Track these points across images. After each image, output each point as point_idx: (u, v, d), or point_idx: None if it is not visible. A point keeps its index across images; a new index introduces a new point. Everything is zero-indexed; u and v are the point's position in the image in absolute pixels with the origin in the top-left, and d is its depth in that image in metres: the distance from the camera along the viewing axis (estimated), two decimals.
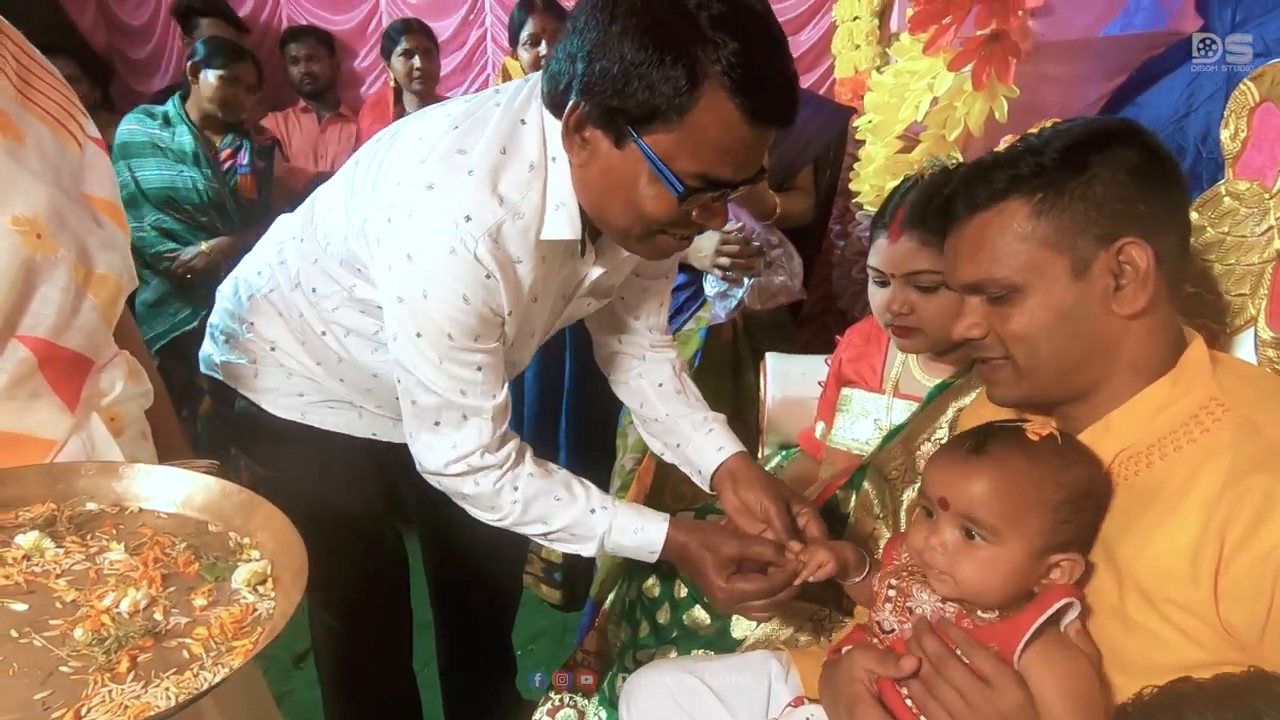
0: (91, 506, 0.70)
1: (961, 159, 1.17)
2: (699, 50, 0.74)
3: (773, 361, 1.69)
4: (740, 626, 1.15)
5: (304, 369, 1.12)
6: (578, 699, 1.40)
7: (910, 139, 1.56)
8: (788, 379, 1.64)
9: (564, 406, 2.06)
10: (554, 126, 0.85)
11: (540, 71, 0.88)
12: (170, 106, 2.24)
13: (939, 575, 0.73)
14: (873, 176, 1.63)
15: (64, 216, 0.72)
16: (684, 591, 1.20)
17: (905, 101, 1.46)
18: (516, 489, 0.98)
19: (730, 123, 0.76)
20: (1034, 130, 0.74)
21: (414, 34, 2.51)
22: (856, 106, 2.04)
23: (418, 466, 1.01)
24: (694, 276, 1.83)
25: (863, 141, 1.71)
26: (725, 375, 1.87)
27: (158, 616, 0.60)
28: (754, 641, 1.13)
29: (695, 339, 1.84)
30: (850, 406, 1.26)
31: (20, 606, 0.60)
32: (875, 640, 0.79)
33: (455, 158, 0.85)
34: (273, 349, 1.12)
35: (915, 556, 0.76)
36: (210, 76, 2.17)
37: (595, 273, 0.98)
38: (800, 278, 1.83)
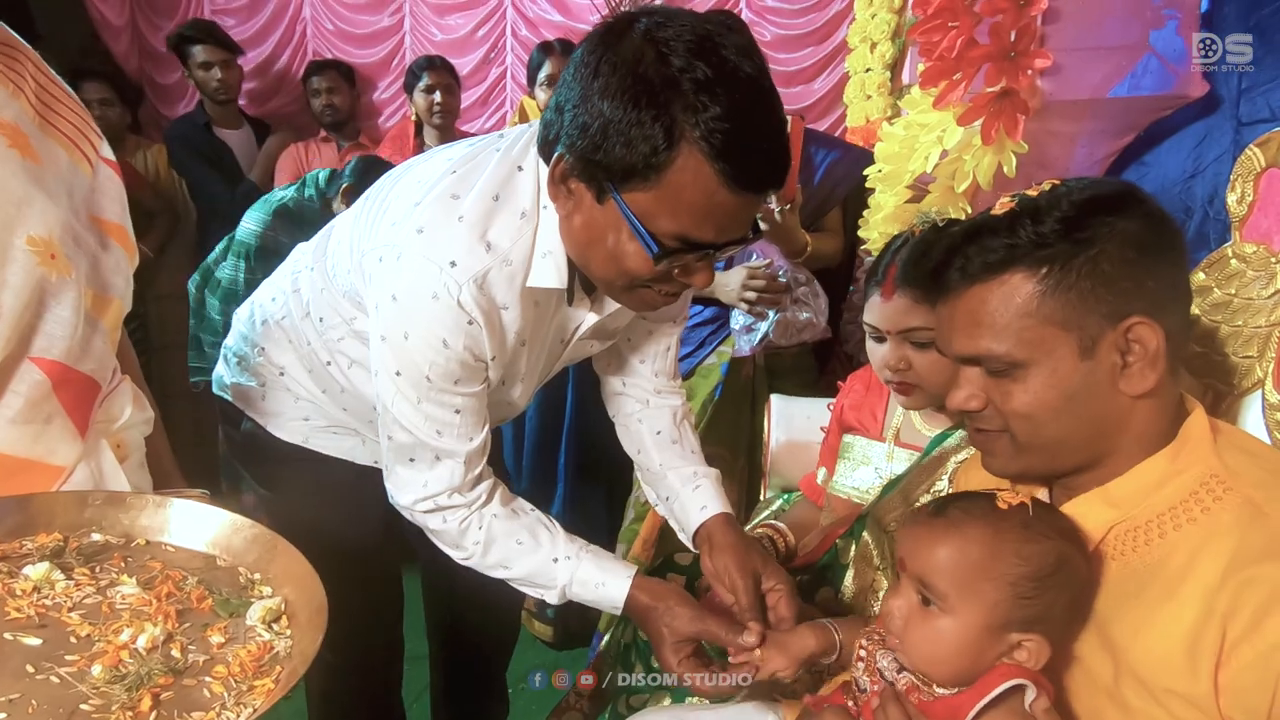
0: (98, 538, 0.68)
1: (963, 213, 1.18)
2: (679, 112, 0.72)
3: (777, 404, 1.69)
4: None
5: (310, 395, 1.13)
6: None
7: (920, 189, 1.57)
8: (791, 422, 1.64)
9: (564, 437, 2.05)
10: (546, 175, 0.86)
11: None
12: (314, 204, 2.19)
13: (894, 641, 0.71)
14: (881, 224, 1.64)
15: (77, 238, 0.73)
16: None
17: (915, 153, 1.47)
18: (480, 529, 0.97)
19: (709, 186, 0.75)
20: (1031, 191, 0.71)
21: (436, 70, 2.58)
22: None
23: (390, 499, 1.00)
24: (719, 311, 1.84)
25: None
26: (744, 411, 1.87)
27: (175, 654, 0.58)
28: (750, 691, 1.10)
29: (717, 373, 1.85)
30: (852, 454, 1.26)
31: (34, 641, 0.59)
32: (851, 701, 0.78)
33: (449, 203, 0.85)
34: (281, 374, 1.13)
35: (880, 619, 0.74)
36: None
37: (591, 319, 0.97)
38: (825, 315, 1.83)
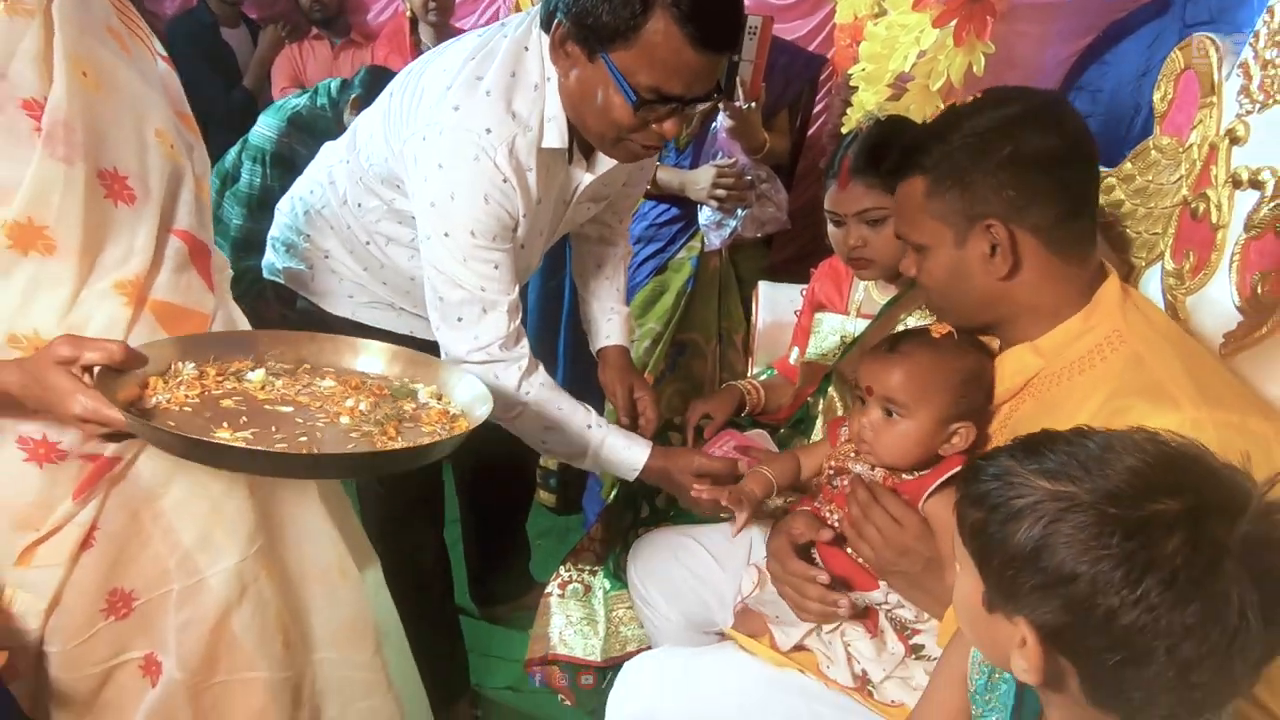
0: (279, 365, 0.92)
1: (931, 109, 1.33)
2: None
3: (764, 290, 1.87)
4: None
5: (353, 274, 1.29)
6: (585, 575, 1.63)
7: (899, 87, 1.69)
8: (776, 305, 1.83)
9: (563, 322, 2.19)
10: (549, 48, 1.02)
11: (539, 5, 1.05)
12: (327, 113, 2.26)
13: (867, 448, 0.94)
14: (864, 121, 1.77)
15: (176, 128, 0.88)
16: None
17: (895, 53, 1.59)
18: (529, 393, 1.15)
19: (677, 46, 0.92)
20: (960, 104, 0.90)
21: None
22: (854, 50, 2.16)
23: (444, 356, 1.16)
24: (684, 210, 1.96)
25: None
26: (713, 300, 2.04)
27: (388, 411, 0.84)
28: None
29: (687, 267, 2.00)
30: (821, 328, 1.46)
31: (288, 409, 0.83)
32: (821, 504, 1.00)
33: (475, 83, 1.02)
34: (326, 257, 1.29)
35: (852, 436, 0.96)
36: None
37: (587, 179, 1.15)
38: (785, 208, 1.98)
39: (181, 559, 0.89)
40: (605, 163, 1.14)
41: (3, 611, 0.84)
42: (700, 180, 1.88)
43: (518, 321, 1.14)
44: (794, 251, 3.04)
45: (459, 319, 1.10)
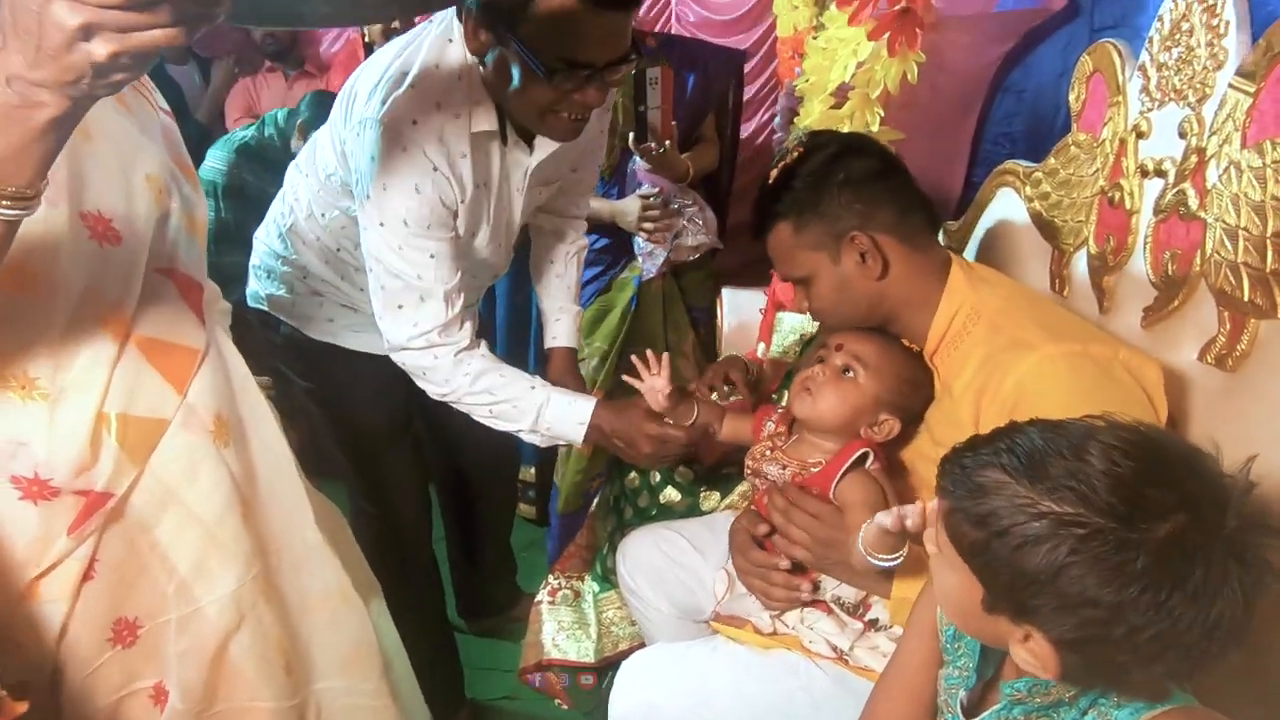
0: None
1: (876, 118, 1.44)
2: None
3: (727, 295, 1.96)
4: (708, 503, 1.43)
5: (331, 286, 1.33)
6: (574, 581, 1.67)
7: (841, 96, 1.79)
8: (740, 309, 1.91)
9: (531, 339, 2.22)
10: None
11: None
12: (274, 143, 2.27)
13: (805, 395, 1.02)
14: (808, 125, 1.87)
15: (171, 174, 0.91)
16: (658, 477, 1.46)
17: (835, 64, 1.69)
18: (470, 362, 1.17)
19: (574, 12, 0.92)
20: (790, 157, 1.04)
21: None
22: (796, 61, 2.27)
23: (385, 345, 1.19)
24: (618, 238, 2.02)
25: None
26: (657, 313, 2.10)
27: None
28: (718, 511, 1.41)
29: (630, 286, 2.06)
30: (782, 327, 1.55)
31: None
32: (754, 498, 1.09)
33: (401, 78, 1.05)
34: (305, 276, 1.33)
35: (799, 383, 1.05)
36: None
37: (531, 162, 1.18)
38: (715, 227, 2.06)
39: (179, 587, 0.90)
40: (546, 144, 1.17)
41: (14, 648, 0.85)
42: (629, 211, 1.95)
43: (457, 309, 1.15)
44: (738, 261, 3.16)
45: (399, 306, 1.13)
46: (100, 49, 0.57)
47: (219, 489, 0.92)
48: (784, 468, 1.04)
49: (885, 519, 0.76)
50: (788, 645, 1.04)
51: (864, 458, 0.99)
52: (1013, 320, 0.94)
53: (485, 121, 1.09)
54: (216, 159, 2.22)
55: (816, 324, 1.49)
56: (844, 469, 0.98)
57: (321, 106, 2.17)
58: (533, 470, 2.30)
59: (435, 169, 1.06)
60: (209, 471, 0.91)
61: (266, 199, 2.30)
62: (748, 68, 3.19)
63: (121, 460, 0.85)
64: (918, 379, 1.03)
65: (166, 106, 0.96)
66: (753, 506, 1.11)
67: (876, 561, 0.82)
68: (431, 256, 1.11)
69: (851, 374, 1.01)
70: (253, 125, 2.31)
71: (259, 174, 2.21)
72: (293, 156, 2.17)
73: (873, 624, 1.01)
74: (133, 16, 0.57)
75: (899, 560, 0.82)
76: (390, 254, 1.10)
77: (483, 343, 1.22)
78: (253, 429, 0.98)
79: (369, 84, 1.08)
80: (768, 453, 1.07)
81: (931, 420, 1.04)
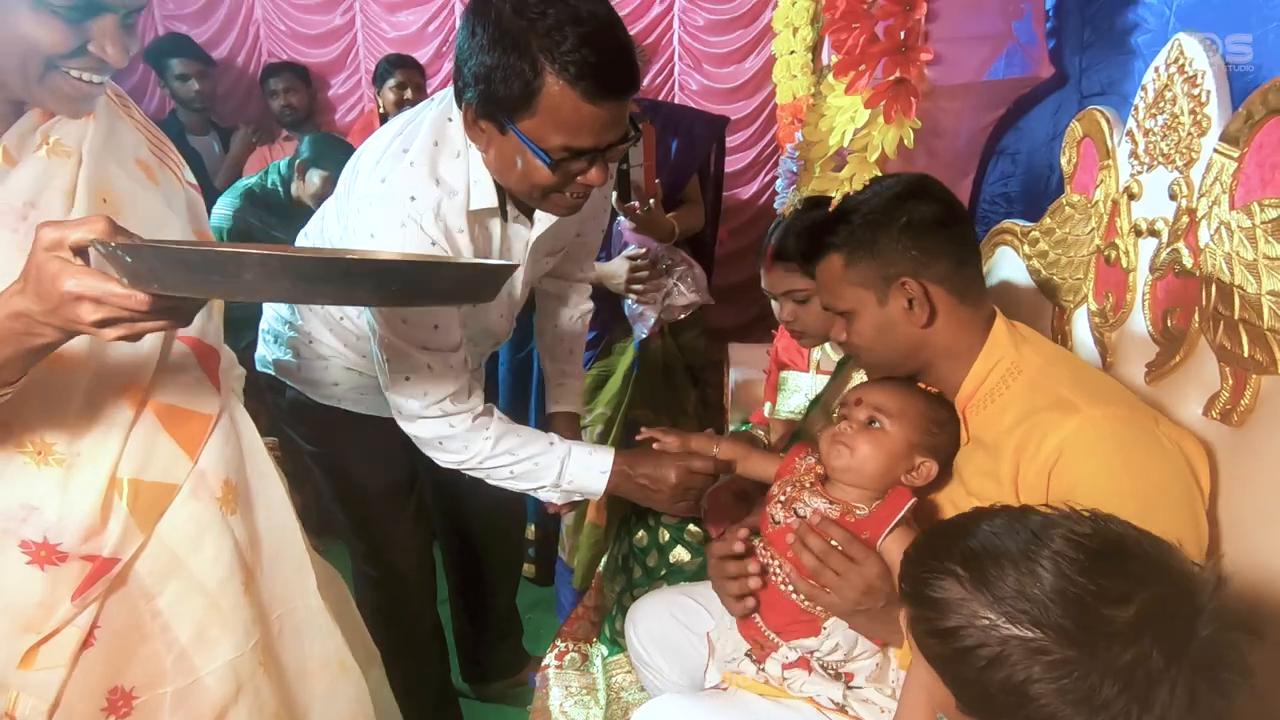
0: None
1: (860, 183, 1.48)
2: (538, 51, 0.92)
3: (734, 351, 1.99)
4: None
5: (336, 352, 1.35)
6: (582, 644, 1.64)
7: (840, 160, 1.85)
8: (745, 364, 1.93)
9: (533, 398, 2.23)
10: None
11: None
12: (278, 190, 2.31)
13: (839, 448, 1.01)
14: (807, 190, 1.92)
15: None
16: (667, 536, 1.46)
17: (834, 130, 1.75)
18: (489, 429, 1.18)
19: (575, 104, 0.94)
20: (854, 189, 1.07)
21: (405, 69, 2.74)
22: (796, 127, 2.35)
23: (396, 416, 1.19)
24: (608, 300, 2.00)
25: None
26: (659, 376, 2.11)
27: None
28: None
29: (631, 349, 2.07)
30: (787, 386, 1.56)
31: None
32: (767, 528, 1.06)
33: (400, 155, 1.08)
34: (311, 342, 1.36)
35: (828, 438, 1.03)
36: (315, 177, 2.23)
37: (532, 235, 1.20)
38: (704, 284, 2.07)
39: (178, 658, 0.90)
40: (546, 217, 1.19)
41: (9, 716, 0.84)
42: (617, 274, 1.95)
43: (466, 377, 1.17)
44: (736, 319, 3.21)
45: (406, 378, 1.14)
46: (110, 332, 0.69)
47: (223, 557, 0.92)
48: (831, 504, 1.01)
49: None
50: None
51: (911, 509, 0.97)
52: (1055, 380, 0.92)
53: (484, 199, 1.10)
54: (224, 205, 2.28)
55: (820, 383, 1.50)
56: (898, 519, 0.95)
57: (320, 147, 2.27)
58: (532, 527, 2.28)
59: (434, 243, 1.07)
60: (214, 539, 0.92)
61: (269, 242, 2.30)
62: (748, 132, 3.31)
63: (130, 526, 0.86)
64: (941, 417, 1.01)
65: (194, 180, 1.01)
66: (739, 538, 1.07)
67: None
68: (435, 327, 1.12)
69: (878, 424, 1.00)
70: (258, 174, 2.38)
71: (263, 217, 2.27)
72: (294, 199, 2.26)
73: (848, 685, 0.99)
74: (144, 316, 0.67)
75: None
76: (394, 326, 1.11)
77: (495, 409, 1.22)
78: (260, 495, 0.99)
79: (371, 160, 1.11)
80: (808, 485, 1.04)
81: (964, 470, 1.01)
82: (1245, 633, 0.55)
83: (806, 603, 1.00)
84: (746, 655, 1.05)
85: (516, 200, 1.16)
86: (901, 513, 0.95)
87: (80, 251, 0.68)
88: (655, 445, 1.25)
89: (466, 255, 1.12)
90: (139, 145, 0.90)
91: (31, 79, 0.74)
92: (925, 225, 0.99)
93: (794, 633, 1.01)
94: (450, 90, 1.14)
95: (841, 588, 0.94)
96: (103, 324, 0.68)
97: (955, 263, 1.00)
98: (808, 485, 1.04)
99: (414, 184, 1.06)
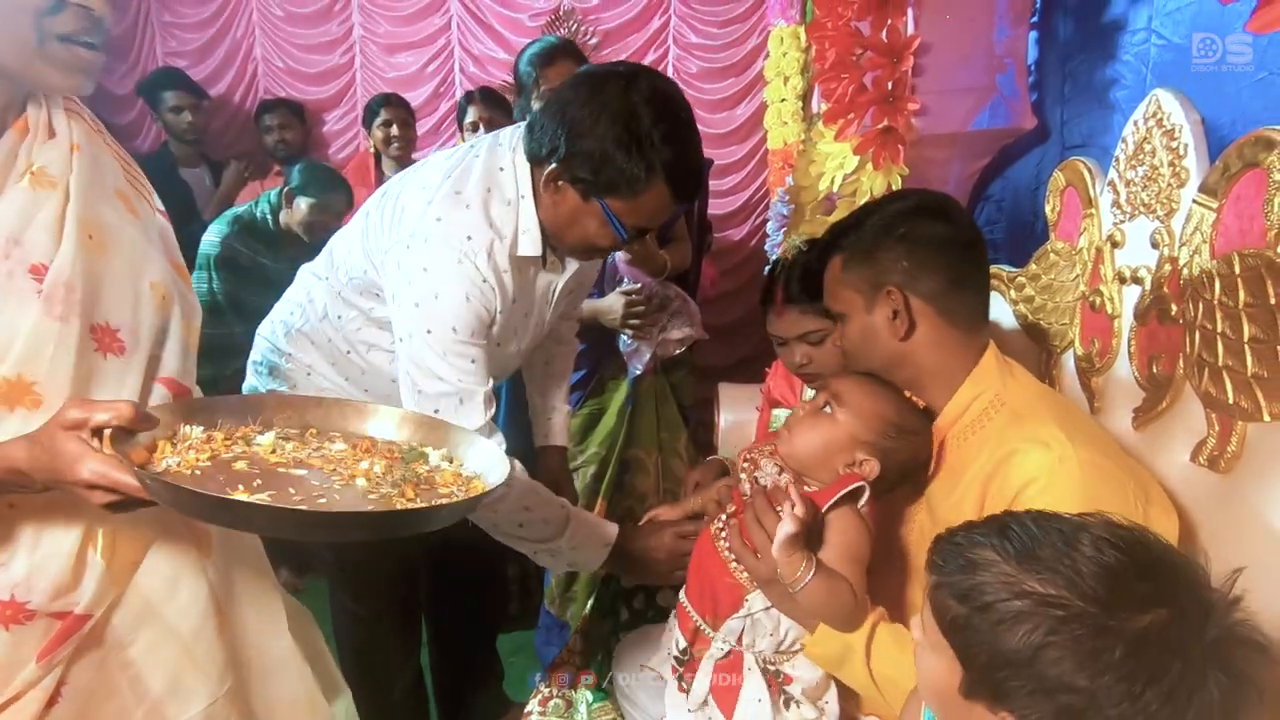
0: (288, 430, 0.93)
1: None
2: (653, 156, 1.07)
3: (724, 390, 1.98)
4: None
5: (335, 385, 1.34)
6: (566, 690, 1.60)
7: (830, 204, 1.89)
8: (736, 404, 1.93)
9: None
10: (526, 171, 1.17)
11: (498, 130, 1.24)
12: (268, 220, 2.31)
13: (784, 431, 1.01)
14: (802, 233, 1.95)
15: (171, 279, 0.92)
16: None
17: (824, 175, 1.79)
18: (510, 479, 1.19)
19: (664, 201, 1.12)
20: (863, 201, 1.06)
21: (393, 107, 2.78)
22: (787, 171, 2.40)
23: None
24: (601, 338, 1.97)
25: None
26: (651, 413, 2.08)
27: (403, 473, 0.83)
28: None
29: (625, 386, 2.05)
30: (778, 424, 1.55)
31: (301, 471, 0.81)
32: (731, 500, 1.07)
33: (455, 197, 1.15)
34: (309, 374, 1.35)
35: (785, 421, 1.04)
36: (303, 204, 2.24)
37: (560, 281, 1.29)
38: (699, 319, 2.07)
39: (149, 710, 0.86)
40: (572, 263, 1.29)
41: None
42: (613, 309, 1.94)
43: (492, 412, 1.20)
44: (728, 358, 3.22)
45: (435, 410, 1.15)
46: (100, 497, 0.73)
47: (198, 603, 0.89)
48: (781, 471, 1.00)
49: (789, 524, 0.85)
50: None
51: (859, 492, 0.94)
52: (1037, 417, 0.92)
53: (532, 247, 1.18)
54: (213, 233, 2.28)
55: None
56: (841, 493, 0.93)
57: (309, 175, 2.29)
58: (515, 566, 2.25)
59: (485, 280, 1.14)
60: (189, 584, 0.89)
61: (257, 269, 2.23)
62: (739, 176, 3.37)
63: (105, 581, 0.82)
64: (906, 425, 0.97)
65: (162, 207, 0.98)
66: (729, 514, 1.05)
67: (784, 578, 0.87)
68: (473, 362, 1.16)
69: (829, 410, 0.98)
70: (247, 204, 2.39)
71: (251, 244, 2.27)
72: (283, 228, 2.27)
73: (788, 700, 0.96)
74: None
75: (802, 584, 0.88)
76: (435, 359, 1.14)
77: (517, 462, 1.22)
78: (232, 533, 0.96)
79: (421, 200, 1.17)
80: (768, 452, 1.03)
81: (934, 497, 1.01)
82: (1254, 649, 0.56)
83: (734, 563, 0.98)
84: (676, 659, 1.04)
85: (552, 246, 1.24)
86: (849, 487, 0.93)
87: (97, 431, 0.71)
88: (650, 516, 1.30)
89: (510, 294, 1.19)
90: (118, 175, 0.89)
91: (29, 49, 0.73)
92: (924, 241, 0.99)
93: (720, 609, 0.99)
94: (490, 140, 1.21)
95: (766, 549, 0.92)
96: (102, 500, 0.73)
97: (948, 283, 0.99)
98: (767, 452, 1.04)
99: (470, 225, 1.14)
